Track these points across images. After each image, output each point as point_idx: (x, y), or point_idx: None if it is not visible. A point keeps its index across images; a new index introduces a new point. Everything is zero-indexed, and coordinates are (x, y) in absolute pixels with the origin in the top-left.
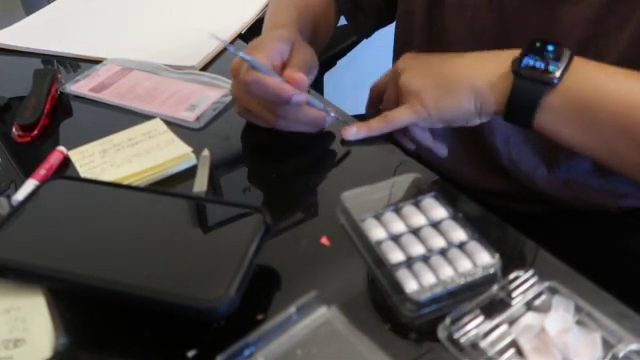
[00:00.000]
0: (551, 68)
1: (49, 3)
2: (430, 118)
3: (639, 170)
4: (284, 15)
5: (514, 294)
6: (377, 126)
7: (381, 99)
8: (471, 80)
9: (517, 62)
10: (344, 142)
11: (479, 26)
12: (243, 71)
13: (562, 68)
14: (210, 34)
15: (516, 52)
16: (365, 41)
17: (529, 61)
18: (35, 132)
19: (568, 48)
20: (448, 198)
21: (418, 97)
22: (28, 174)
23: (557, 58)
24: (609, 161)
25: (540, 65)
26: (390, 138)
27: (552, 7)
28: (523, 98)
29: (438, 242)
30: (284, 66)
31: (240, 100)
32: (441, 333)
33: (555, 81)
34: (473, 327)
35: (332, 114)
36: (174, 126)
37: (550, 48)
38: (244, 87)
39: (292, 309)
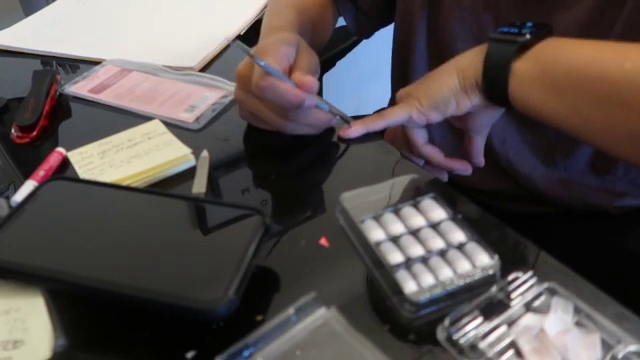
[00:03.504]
0: (523, 31)
1: (48, 4)
2: (422, 107)
3: (606, 135)
4: (283, 17)
5: (513, 295)
6: (373, 122)
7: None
8: (454, 62)
9: (494, 32)
10: (342, 140)
11: (476, 27)
12: (257, 76)
13: (535, 34)
14: (225, 39)
15: None
16: (364, 42)
17: (504, 28)
18: (34, 133)
19: (548, 26)
20: (447, 199)
21: (409, 95)
22: (27, 175)
23: (532, 28)
24: (582, 130)
25: (514, 30)
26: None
27: (547, 11)
28: (496, 60)
29: (437, 243)
30: (290, 69)
31: (246, 104)
32: (440, 334)
33: (526, 38)
34: (472, 328)
35: (337, 117)
36: (173, 127)
37: (528, 24)
38: (258, 92)
39: (291, 310)
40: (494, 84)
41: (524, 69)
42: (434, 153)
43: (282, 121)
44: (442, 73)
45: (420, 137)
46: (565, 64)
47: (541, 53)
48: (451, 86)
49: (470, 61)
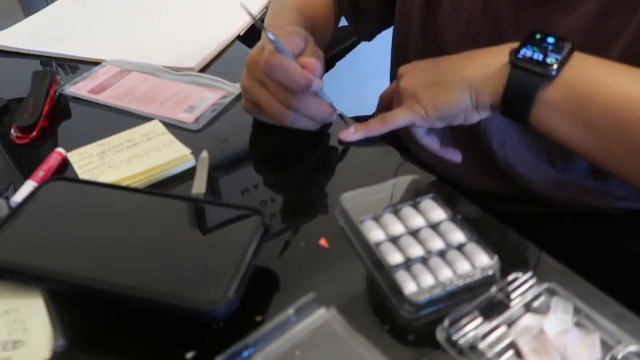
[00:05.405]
0: (549, 60)
1: (48, 4)
2: (428, 117)
3: (635, 174)
4: (286, 18)
5: (513, 296)
6: (375, 127)
7: (390, 107)
8: (466, 74)
9: (514, 53)
10: (342, 143)
11: (474, 29)
12: (267, 53)
13: (561, 60)
14: (241, 5)
15: (515, 44)
16: (364, 43)
17: (527, 52)
18: (34, 134)
19: (569, 41)
20: (447, 200)
21: (414, 97)
22: (27, 176)
23: (556, 50)
24: (606, 163)
25: (538, 56)
26: (388, 139)
27: (546, 15)
28: (519, 90)
29: (437, 244)
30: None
31: (250, 93)
32: (440, 335)
33: (553, 73)
34: (472, 329)
35: (337, 112)
36: (173, 128)
37: (550, 40)
38: (266, 69)
39: (291, 310)
40: (514, 109)
41: (553, 98)
42: (431, 142)
43: (284, 110)
44: (453, 84)
45: (421, 129)
46: (601, 102)
47: (572, 83)
48: (462, 104)
49: (485, 82)
